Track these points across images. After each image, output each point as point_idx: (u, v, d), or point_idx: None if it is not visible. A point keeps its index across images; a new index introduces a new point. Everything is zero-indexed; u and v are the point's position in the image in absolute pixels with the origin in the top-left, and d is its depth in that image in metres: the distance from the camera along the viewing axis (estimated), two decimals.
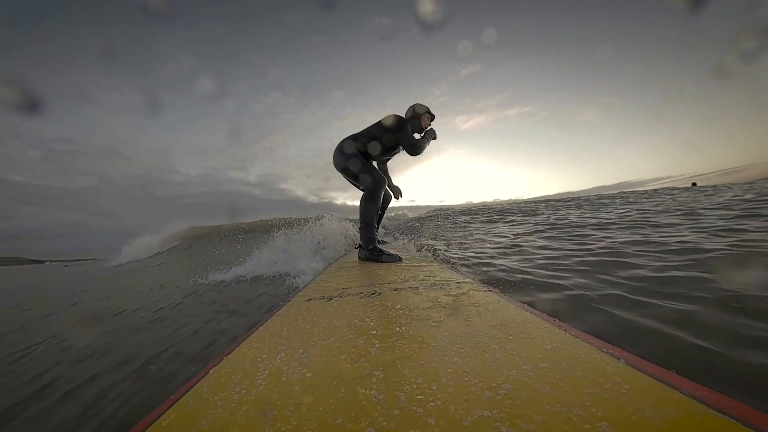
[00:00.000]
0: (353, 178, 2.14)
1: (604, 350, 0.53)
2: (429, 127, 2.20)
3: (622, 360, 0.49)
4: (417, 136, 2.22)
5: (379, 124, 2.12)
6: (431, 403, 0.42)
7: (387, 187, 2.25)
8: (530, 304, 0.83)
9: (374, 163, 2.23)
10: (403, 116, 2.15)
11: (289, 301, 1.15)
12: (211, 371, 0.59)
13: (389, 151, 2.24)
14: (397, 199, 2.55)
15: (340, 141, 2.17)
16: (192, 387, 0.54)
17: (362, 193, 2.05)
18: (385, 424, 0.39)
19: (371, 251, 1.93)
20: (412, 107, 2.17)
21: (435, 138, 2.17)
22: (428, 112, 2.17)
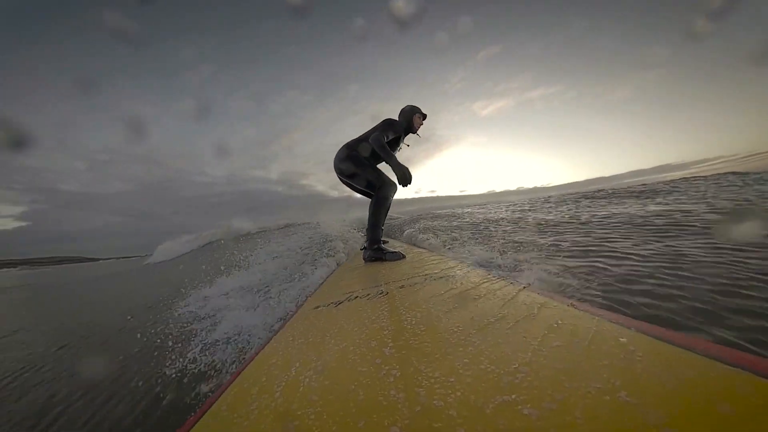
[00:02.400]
0: (350, 180, 2.14)
1: (613, 321, 0.53)
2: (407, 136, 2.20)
3: (632, 328, 0.50)
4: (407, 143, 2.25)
5: (373, 127, 2.16)
6: (451, 396, 0.42)
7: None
8: (540, 288, 0.84)
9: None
10: (396, 119, 2.17)
11: (297, 311, 1.15)
12: (227, 389, 0.59)
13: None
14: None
15: (339, 149, 2.17)
16: (210, 406, 0.54)
17: (373, 197, 2.06)
18: (407, 421, 0.39)
19: (375, 251, 1.96)
20: (401, 112, 2.21)
21: (404, 179, 1.86)
22: (418, 112, 2.20)
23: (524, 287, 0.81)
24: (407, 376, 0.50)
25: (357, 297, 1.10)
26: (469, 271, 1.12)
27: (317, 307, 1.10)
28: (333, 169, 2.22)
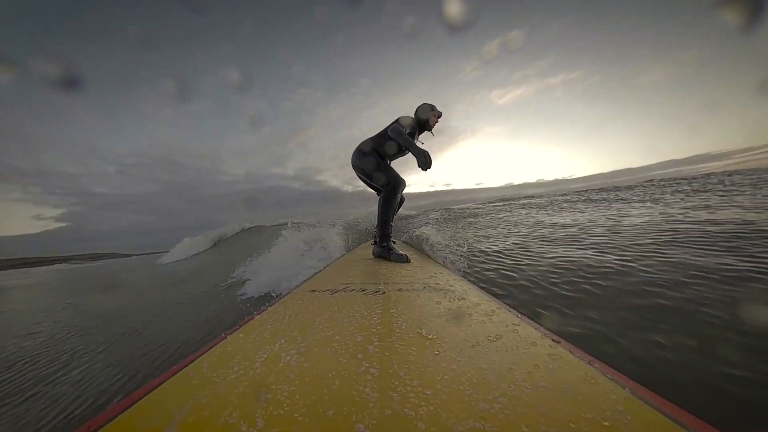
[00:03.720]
0: (368, 178, 2.22)
1: (608, 376, 0.51)
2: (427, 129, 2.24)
3: (627, 388, 0.47)
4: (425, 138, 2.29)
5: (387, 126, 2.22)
6: (423, 408, 0.42)
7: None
8: (536, 320, 0.81)
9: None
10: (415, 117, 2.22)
11: (294, 290, 1.17)
12: (212, 349, 0.61)
13: (402, 150, 2.29)
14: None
15: (358, 146, 2.25)
16: (193, 361, 0.56)
17: (382, 193, 2.12)
18: (375, 422, 0.39)
19: (383, 248, 2.01)
20: (417, 110, 2.24)
21: (426, 163, 1.91)
22: (434, 109, 2.22)
23: (523, 319, 0.79)
24: (385, 377, 0.49)
25: (353, 290, 1.11)
26: (469, 289, 1.10)
27: (313, 290, 1.12)
28: (347, 165, 2.29)
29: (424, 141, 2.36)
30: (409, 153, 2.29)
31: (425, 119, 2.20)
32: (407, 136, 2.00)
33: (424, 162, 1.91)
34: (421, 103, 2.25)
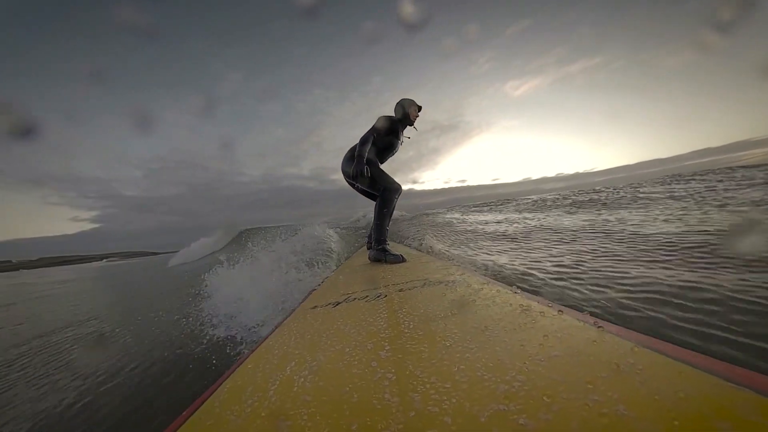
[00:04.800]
0: (354, 180, 2.21)
1: (614, 333, 0.52)
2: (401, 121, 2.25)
3: (632, 340, 0.49)
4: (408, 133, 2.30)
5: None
6: (446, 402, 0.42)
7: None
8: (536, 293, 0.83)
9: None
10: (393, 116, 2.25)
11: (295, 310, 1.15)
12: (221, 386, 0.59)
13: (384, 152, 2.30)
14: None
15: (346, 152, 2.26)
16: (203, 403, 0.54)
17: (378, 198, 2.13)
18: (401, 426, 0.39)
19: (379, 251, 2.02)
20: (397, 103, 2.28)
21: (356, 173, 1.98)
22: (413, 104, 2.27)
23: (524, 295, 0.81)
24: (402, 380, 0.49)
25: (355, 298, 1.09)
26: (468, 277, 1.11)
27: (315, 306, 1.10)
28: None
29: (410, 136, 2.39)
30: (398, 152, 2.38)
31: (399, 117, 2.25)
32: (366, 144, 2.06)
33: (354, 172, 1.97)
34: (402, 98, 2.27)
